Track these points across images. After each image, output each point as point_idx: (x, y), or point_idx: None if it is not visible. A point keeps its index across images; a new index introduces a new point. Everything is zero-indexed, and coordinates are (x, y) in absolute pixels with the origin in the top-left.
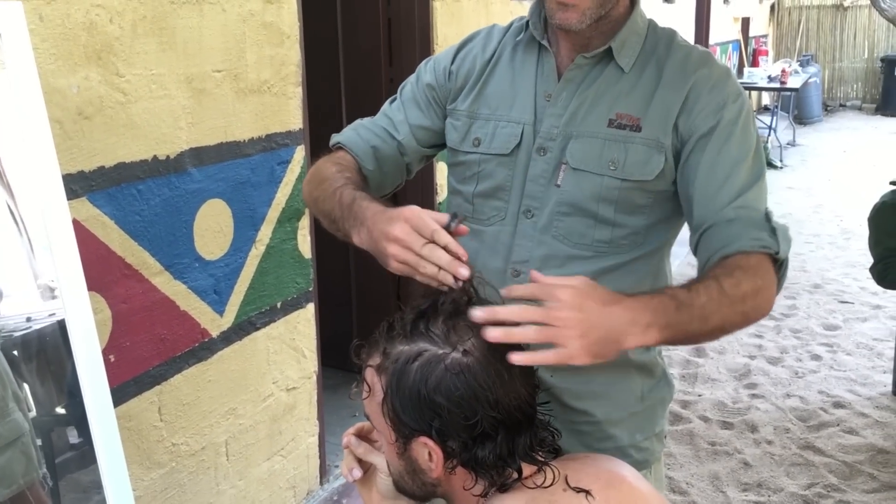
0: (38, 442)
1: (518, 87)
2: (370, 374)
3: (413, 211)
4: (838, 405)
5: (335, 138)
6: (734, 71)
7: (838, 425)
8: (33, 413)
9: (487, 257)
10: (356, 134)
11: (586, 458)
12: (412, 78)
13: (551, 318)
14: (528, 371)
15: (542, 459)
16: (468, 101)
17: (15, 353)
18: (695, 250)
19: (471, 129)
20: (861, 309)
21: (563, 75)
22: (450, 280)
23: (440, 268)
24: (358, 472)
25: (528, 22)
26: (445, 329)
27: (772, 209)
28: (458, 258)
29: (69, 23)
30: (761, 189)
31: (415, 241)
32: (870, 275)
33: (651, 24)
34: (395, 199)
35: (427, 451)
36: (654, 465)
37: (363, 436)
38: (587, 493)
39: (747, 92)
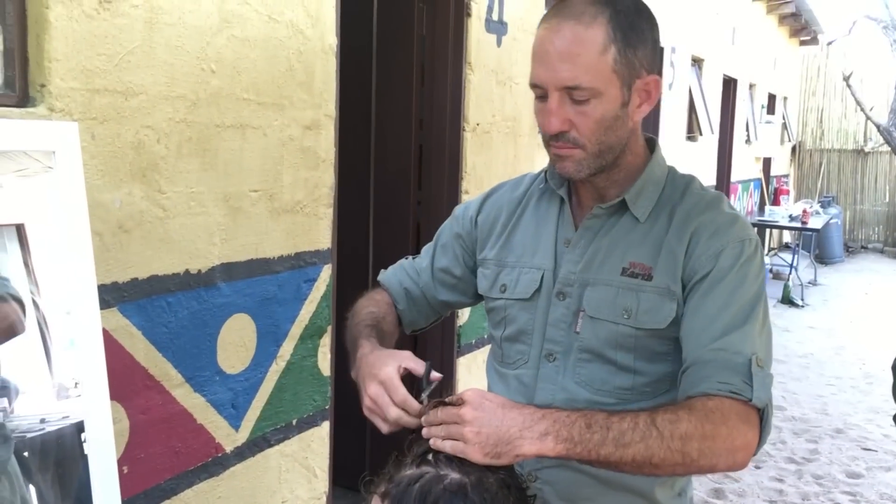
0: None
1: (541, 235)
2: (375, 501)
3: (389, 374)
4: None
5: (380, 276)
6: (744, 215)
7: None
8: None
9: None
10: (394, 274)
11: None
12: (448, 223)
13: (452, 415)
14: (524, 497)
15: None
16: (496, 250)
17: (25, 454)
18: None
19: (499, 277)
20: (885, 458)
21: (581, 223)
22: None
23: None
24: None
25: (546, 172)
26: (451, 457)
27: (764, 356)
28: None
29: (119, 142)
30: (749, 334)
31: (385, 405)
32: (893, 423)
33: (671, 172)
34: None
35: None
36: None
37: None
38: None
39: (768, 230)
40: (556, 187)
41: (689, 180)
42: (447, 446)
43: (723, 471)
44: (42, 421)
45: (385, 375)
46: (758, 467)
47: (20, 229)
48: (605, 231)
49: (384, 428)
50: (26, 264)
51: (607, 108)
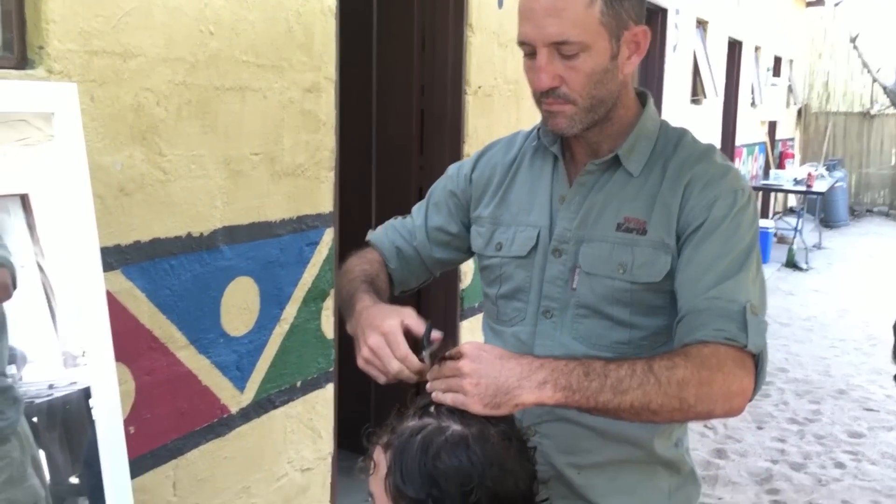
0: None
1: (536, 192)
2: (377, 452)
3: (392, 327)
4: None
5: (369, 236)
6: (737, 167)
7: None
8: (48, 480)
9: None
10: (385, 234)
11: None
12: (441, 182)
13: (451, 369)
14: (524, 448)
15: None
16: (491, 208)
17: (34, 419)
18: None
19: (494, 235)
20: (886, 418)
21: (575, 180)
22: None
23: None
24: None
25: (539, 130)
26: (453, 409)
27: (758, 303)
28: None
29: (118, 104)
30: (743, 282)
31: (386, 357)
32: (895, 384)
33: (663, 126)
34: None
35: None
36: None
37: None
38: None
39: (773, 194)
40: (548, 144)
41: (682, 133)
42: (448, 398)
43: (720, 416)
44: (50, 387)
45: (388, 327)
46: (760, 427)
47: (24, 199)
48: (600, 187)
49: (381, 379)
50: (31, 232)
51: (597, 61)
